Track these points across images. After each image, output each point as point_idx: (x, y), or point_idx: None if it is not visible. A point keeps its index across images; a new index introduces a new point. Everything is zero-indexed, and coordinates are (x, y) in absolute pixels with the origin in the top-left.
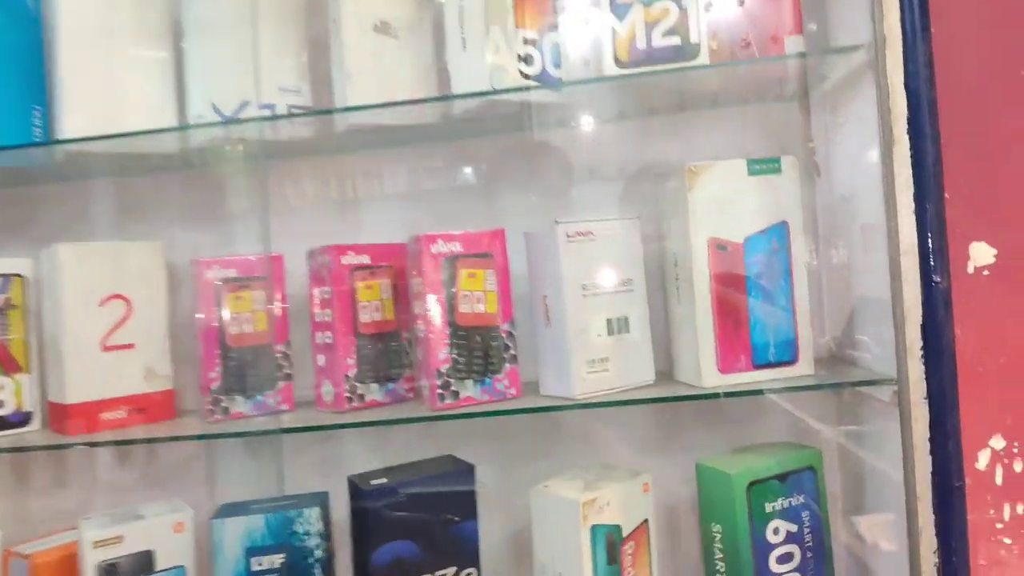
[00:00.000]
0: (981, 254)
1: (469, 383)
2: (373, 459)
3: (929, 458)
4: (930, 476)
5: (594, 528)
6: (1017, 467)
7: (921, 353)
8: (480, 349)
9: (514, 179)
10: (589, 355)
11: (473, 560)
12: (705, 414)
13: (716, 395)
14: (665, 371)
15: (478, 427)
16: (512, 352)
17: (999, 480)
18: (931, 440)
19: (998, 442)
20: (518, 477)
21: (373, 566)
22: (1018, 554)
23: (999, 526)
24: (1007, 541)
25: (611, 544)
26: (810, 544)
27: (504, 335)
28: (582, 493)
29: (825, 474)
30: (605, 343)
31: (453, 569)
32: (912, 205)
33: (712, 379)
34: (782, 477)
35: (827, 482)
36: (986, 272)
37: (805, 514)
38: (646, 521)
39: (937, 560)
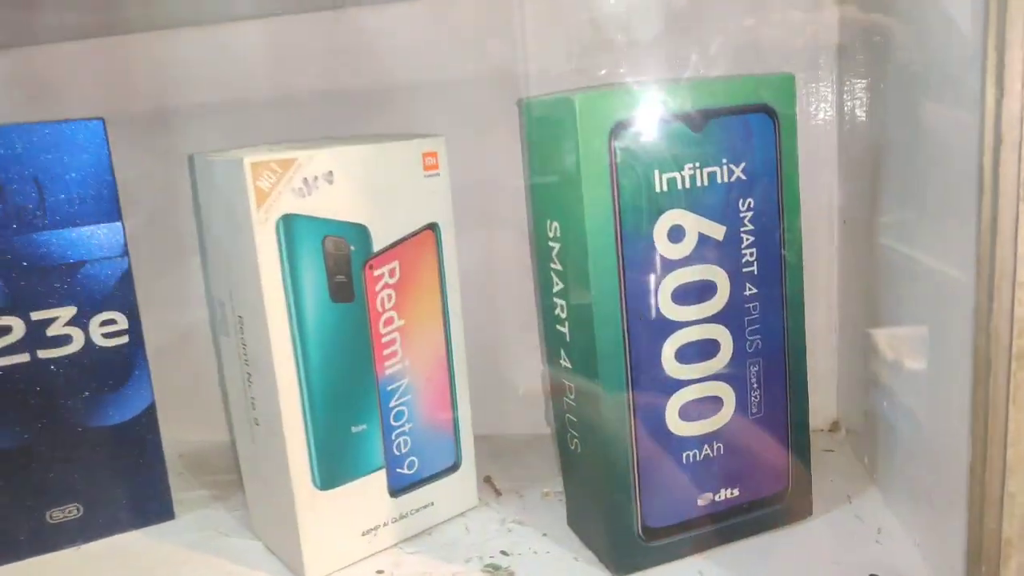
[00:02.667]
0: None
1: None
2: None
3: None
4: None
5: (289, 222)
6: None
7: None
8: None
9: None
10: None
11: (118, 299)
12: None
13: None
14: None
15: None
16: None
17: None
18: None
19: None
20: None
21: None
22: None
23: None
24: None
25: (337, 260)
26: (751, 268)
27: None
28: (265, 153)
29: (805, 131)
30: None
31: (70, 311)
32: None
33: None
34: (695, 120)
35: (807, 146)
36: None
37: (745, 204)
38: (433, 227)
39: None
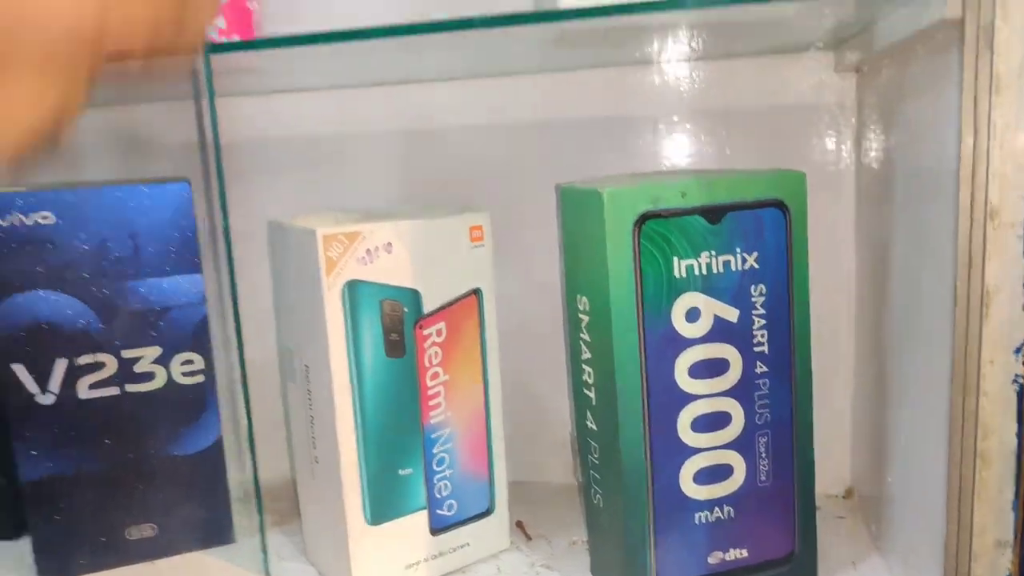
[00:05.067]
0: None
1: None
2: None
3: None
4: None
5: (353, 288)
6: None
7: None
8: None
9: None
10: None
11: (196, 342)
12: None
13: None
14: None
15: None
16: None
17: None
18: None
19: None
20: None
21: None
22: None
23: None
24: None
25: (392, 321)
26: (762, 348)
27: None
28: (335, 225)
29: (814, 223)
30: None
31: (155, 350)
32: None
33: None
34: (713, 213)
35: (818, 237)
36: None
37: (757, 290)
38: (476, 293)
39: None
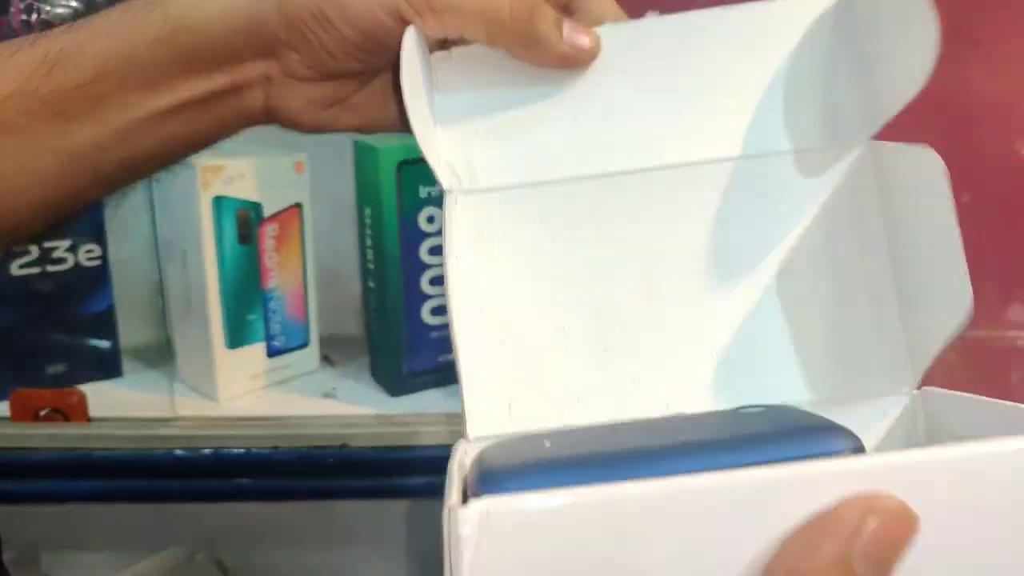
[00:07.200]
0: None
1: None
2: None
3: None
4: None
5: (218, 200)
6: None
7: None
8: None
9: None
10: None
11: (96, 236)
12: None
13: None
14: None
15: None
16: None
17: None
18: None
19: None
20: None
21: None
22: None
23: None
24: None
25: (243, 221)
26: None
27: None
28: (206, 160)
29: None
30: None
31: (66, 242)
32: None
33: None
34: None
35: None
36: None
37: None
38: (299, 205)
39: None
